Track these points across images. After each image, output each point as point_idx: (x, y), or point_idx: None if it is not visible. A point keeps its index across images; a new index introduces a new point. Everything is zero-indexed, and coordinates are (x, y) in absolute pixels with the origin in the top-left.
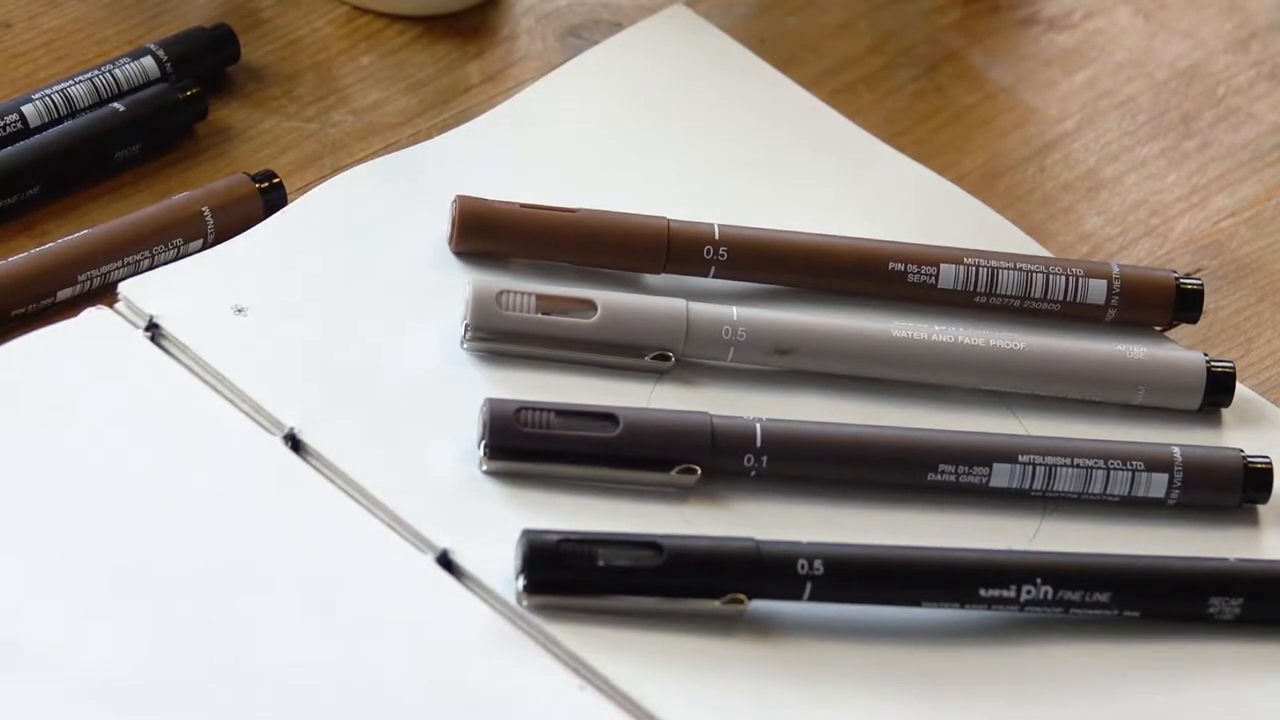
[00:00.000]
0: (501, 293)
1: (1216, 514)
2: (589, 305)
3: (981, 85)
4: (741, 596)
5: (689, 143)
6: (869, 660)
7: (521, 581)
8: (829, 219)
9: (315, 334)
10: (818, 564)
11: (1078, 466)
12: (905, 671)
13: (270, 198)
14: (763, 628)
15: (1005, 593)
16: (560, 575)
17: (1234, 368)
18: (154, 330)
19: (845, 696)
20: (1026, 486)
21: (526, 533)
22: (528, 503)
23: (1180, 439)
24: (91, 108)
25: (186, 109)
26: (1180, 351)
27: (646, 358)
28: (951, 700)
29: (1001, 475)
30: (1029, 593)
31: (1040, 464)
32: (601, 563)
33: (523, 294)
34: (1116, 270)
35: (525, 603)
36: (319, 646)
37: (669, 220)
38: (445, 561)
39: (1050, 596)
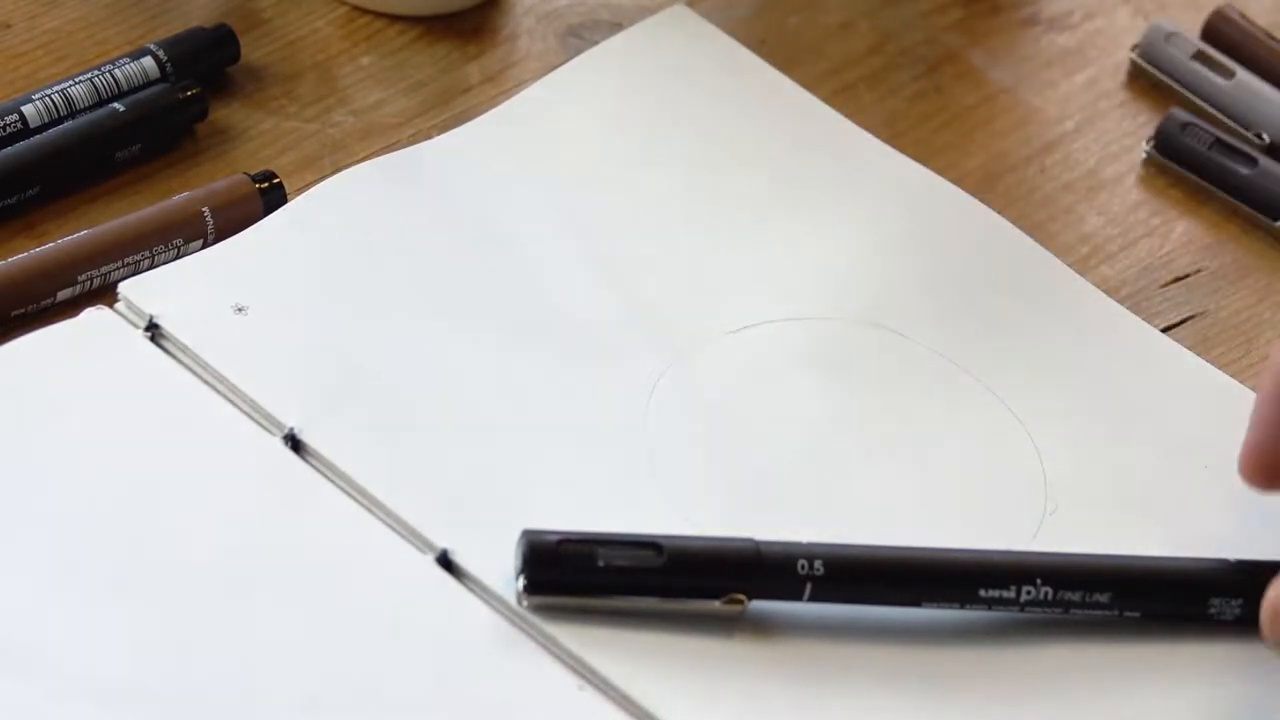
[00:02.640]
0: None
1: None
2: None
3: (982, 86)
4: (741, 596)
5: (689, 143)
6: (869, 660)
7: (521, 581)
8: (828, 220)
9: (315, 334)
10: (818, 564)
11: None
12: (905, 672)
13: (270, 198)
14: (763, 628)
15: (1005, 593)
16: (560, 575)
17: None
18: (154, 330)
19: (845, 696)
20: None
21: (526, 533)
22: (528, 502)
23: None
24: (91, 108)
25: (186, 109)
26: None
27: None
28: (951, 700)
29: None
30: (1029, 593)
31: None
32: (601, 563)
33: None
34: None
35: (525, 603)
36: (319, 646)
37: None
38: (445, 561)
39: (1050, 597)
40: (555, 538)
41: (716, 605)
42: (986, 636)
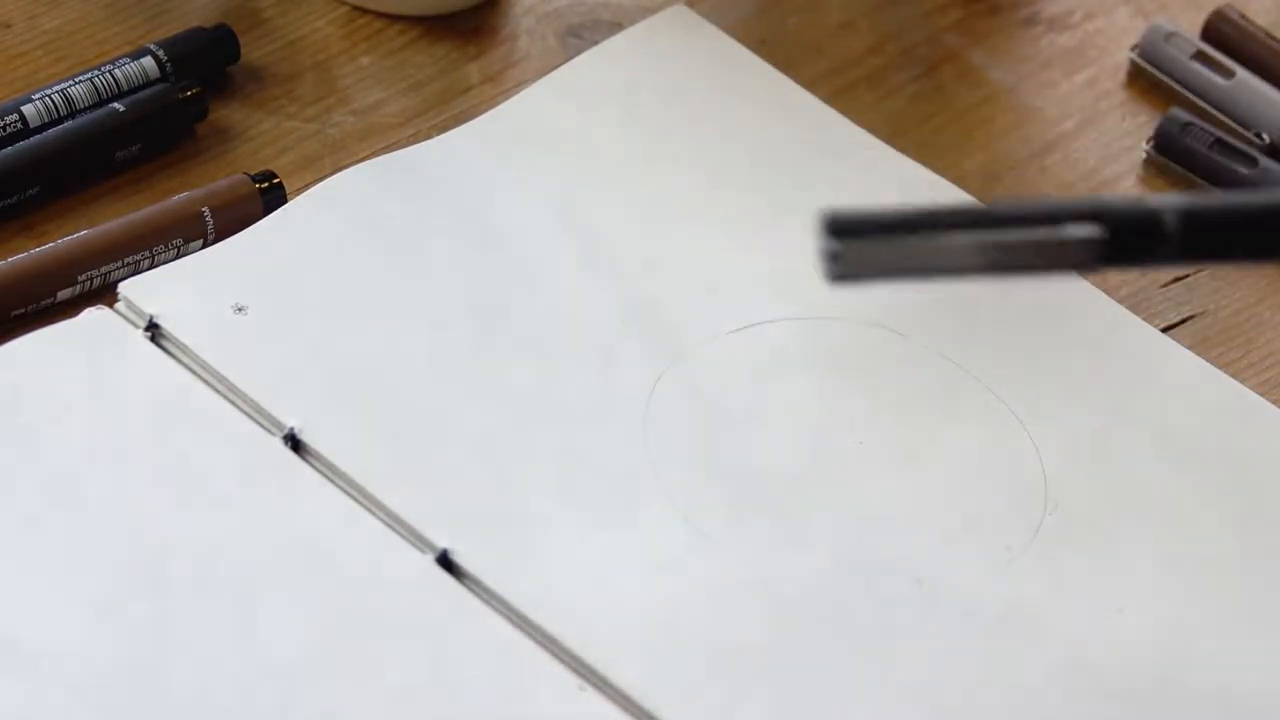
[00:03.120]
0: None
1: None
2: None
3: (982, 86)
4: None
5: (689, 143)
6: (869, 660)
7: (831, 244)
8: None
9: (315, 333)
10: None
11: None
12: (906, 672)
13: (270, 198)
14: (763, 627)
15: None
16: (868, 224)
17: None
18: (154, 330)
19: (846, 695)
20: None
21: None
22: (528, 502)
23: None
24: (91, 108)
25: (186, 109)
26: None
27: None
28: (954, 701)
29: None
30: None
31: None
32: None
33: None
34: None
35: (840, 261)
36: (319, 646)
37: None
38: (445, 561)
39: None
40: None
41: (1056, 232)
42: (986, 636)
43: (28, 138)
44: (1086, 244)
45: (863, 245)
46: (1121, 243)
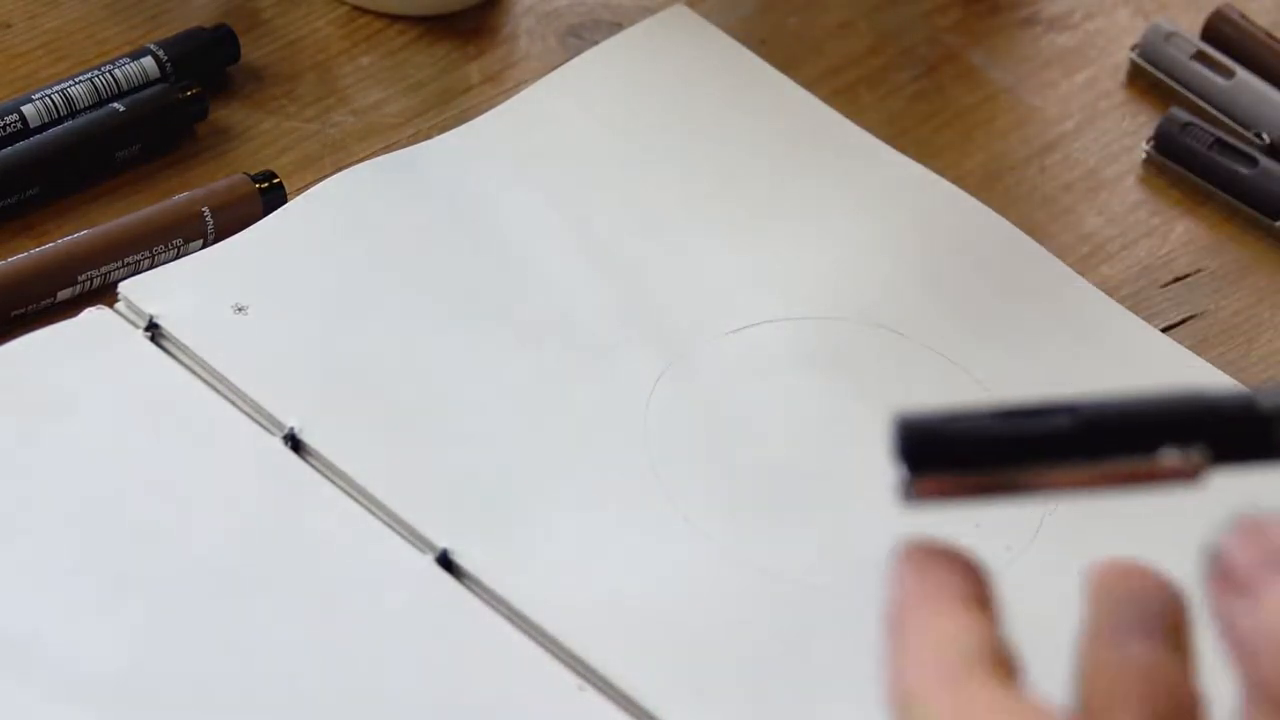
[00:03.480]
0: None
1: None
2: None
3: (982, 86)
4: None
5: (689, 143)
6: (870, 660)
7: (904, 473)
8: (828, 220)
9: (315, 334)
10: None
11: None
12: None
13: (270, 198)
14: (764, 627)
15: None
16: (947, 452)
17: None
18: (154, 330)
19: (847, 695)
20: None
21: (897, 417)
22: (528, 502)
23: None
24: (91, 108)
25: (186, 109)
26: None
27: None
28: None
29: None
30: None
31: None
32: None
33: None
34: None
35: (914, 495)
36: (319, 646)
37: None
38: (445, 561)
39: None
40: (933, 415)
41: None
42: None
43: (28, 138)
44: (1185, 470)
45: (941, 477)
46: (1225, 457)
